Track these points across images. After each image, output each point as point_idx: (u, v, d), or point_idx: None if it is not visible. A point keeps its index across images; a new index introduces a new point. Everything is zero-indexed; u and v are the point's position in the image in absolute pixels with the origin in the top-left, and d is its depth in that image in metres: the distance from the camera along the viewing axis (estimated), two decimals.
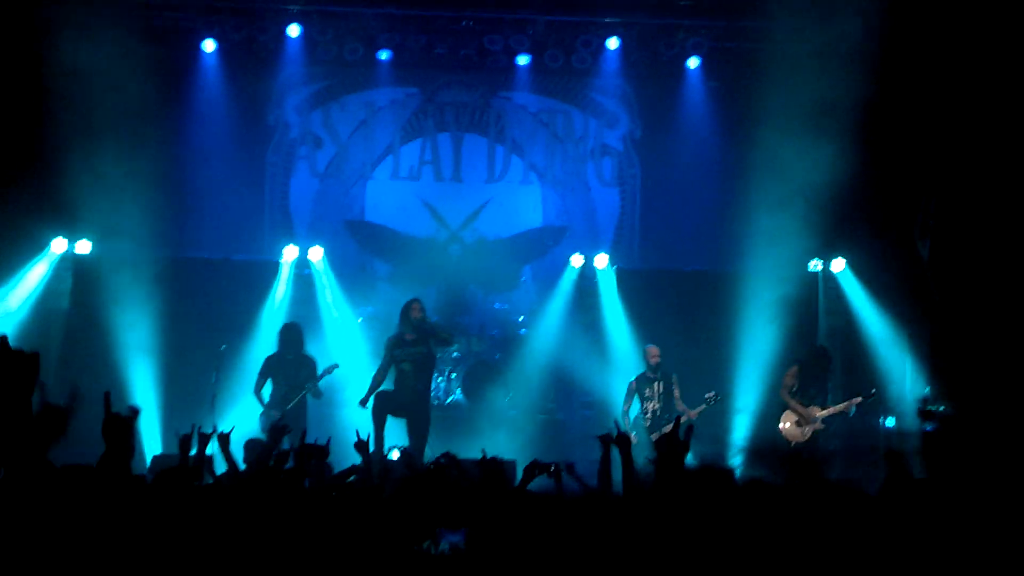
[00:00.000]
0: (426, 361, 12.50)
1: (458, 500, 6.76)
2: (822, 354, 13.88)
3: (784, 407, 13.48)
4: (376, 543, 5.99)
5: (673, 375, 13.73)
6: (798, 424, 13.37)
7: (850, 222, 15.24)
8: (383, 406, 12.24)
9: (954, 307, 14.35)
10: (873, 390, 13.56)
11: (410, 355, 12.39)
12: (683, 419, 13.19)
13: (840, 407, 13.29)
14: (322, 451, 7.48)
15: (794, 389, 13.45)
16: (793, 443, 13.25)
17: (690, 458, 7.61)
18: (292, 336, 13.31)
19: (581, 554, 5.75)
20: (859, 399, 13.27)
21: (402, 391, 12.35)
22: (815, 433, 13.30)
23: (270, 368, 13.26)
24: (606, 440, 7.08)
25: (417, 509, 6.22)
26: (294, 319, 14.23)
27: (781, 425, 13.48)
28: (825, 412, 13.32)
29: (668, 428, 12.78)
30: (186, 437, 7.10)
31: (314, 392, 13.06)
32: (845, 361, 15.06)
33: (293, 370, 13.12)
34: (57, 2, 14.35)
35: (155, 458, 12.24)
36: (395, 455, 11.08)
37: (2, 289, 14.53)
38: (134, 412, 6.56)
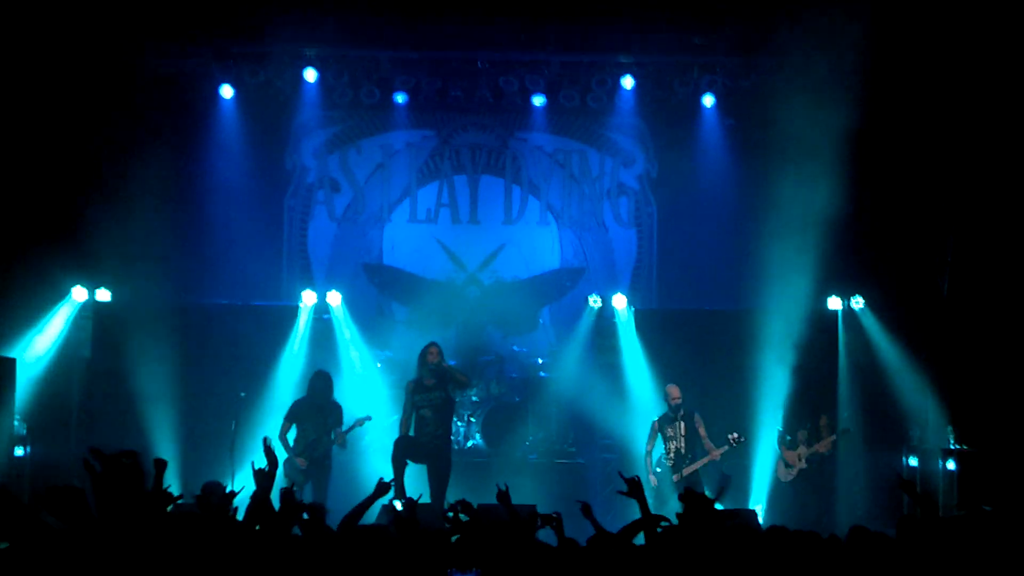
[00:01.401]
0: (445, 405, 12.42)
1: (471, 543, 6.74)
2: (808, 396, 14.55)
3: (778, 456, 14.36)
4: None
5: (696, 413, 13.68)
6: (786, 466, 14.23)
7: (869, 259, 15.19)
8: (404, 452, 12.18)
9: (974, 343, 14.29)
10: (846, 428, 14.30)
11: (429, 400, 12.31)
12: (705, 461, 13.23)
13: (815, 447, 14.04)
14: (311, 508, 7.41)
15: (787, 438, 14.30)
16: (781, 481, 14.27)
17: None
18: (323, 383, 13.15)
19: None
20: (832, 438, 14.06)
21: (422, 436, 12.28)
22: (800, 472, 14.09)
23: (298, 413, 13.05)
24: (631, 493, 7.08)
25: (427, 552, 6.21)
26: (313, 364, 14.23)
27: (777, 468, 14.36)
28: (809, 450, 14.05)
29: (692, 469, 12.82)
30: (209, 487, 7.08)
31: (340, 441, 12.95)
32: (865, 399, 14.97)
33: (322, 417, 13.00)
34: (75, 51, 14.46)
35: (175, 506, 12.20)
36: (398, 506, 10.93)
37: (26, 337, 14.55)
38: (161, 465, 6.58)
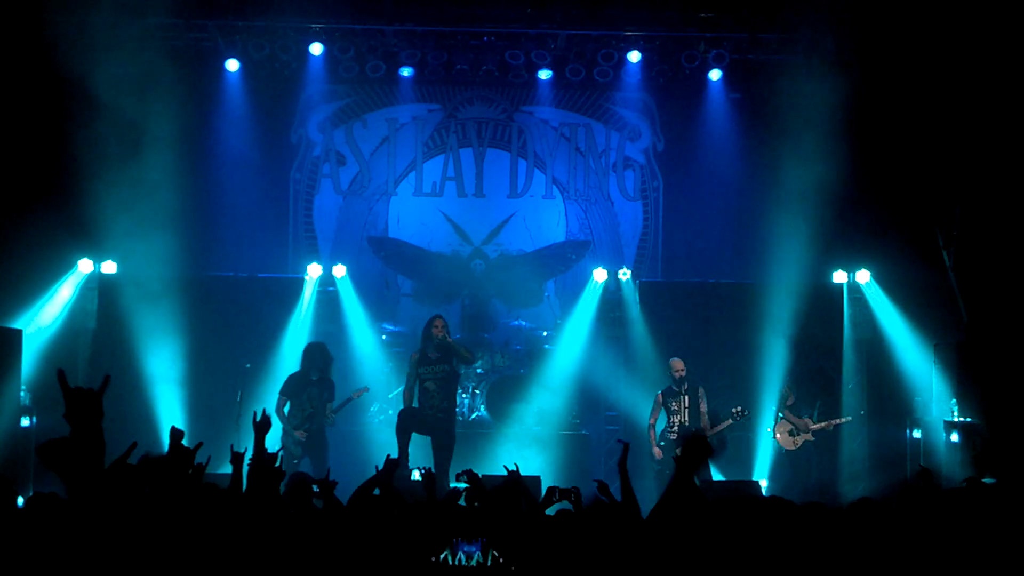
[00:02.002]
0: (449, 378, 12.42)
1: (476, 515, 6.77)
2: (819, 372, 14.17)
3: (779, 417, 14.24)
4: (392, 554, 6.01)
5: (700, 387, 13.70)
6: (791, 434, 14.17)
7: (875, 232, 15.18)
8: (407, 424, 12.20)
9: (980, 316, 14.28)
10: (862, 412, 14.52)
11: (433, 373, 12.31)
12: (708, 435, 13.24)
13: (822, 424, 14.12)
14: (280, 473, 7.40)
15: (789, 403, 14.22)
16: (784, 450, 14.19)
17: (716, 474, 7.56)
18: (316, 356, 13.05)
19: (596, 566, 5.76)
20: (840, 420, 14.18)
21: (426, 409, 12.30)
22: (805, 443, 14.11)
23: (291, 388, 12.97)
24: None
25: (433, 523, 6.24)
26: (319, 337, 14.24)
27: (776, 435, 14.26)
28: (817, 426, 14.09)
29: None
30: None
31: (330, 420, 12.93)
32: (870, 373, 14.99)
33: (317, 391, 13.00)
34: (81, 26, 14.46)
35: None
36: (416, 476, 11.02)
37: (32, 309, 14.61)
38: (177, 433, 6.57)
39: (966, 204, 14.49)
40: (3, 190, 14.45)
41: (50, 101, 14.63)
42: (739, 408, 13.52)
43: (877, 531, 5.94)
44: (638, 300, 15.58)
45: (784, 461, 14.23)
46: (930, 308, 14.67)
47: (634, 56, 16.06)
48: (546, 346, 15.60)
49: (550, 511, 7.34)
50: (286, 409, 12.87)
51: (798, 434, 14.11)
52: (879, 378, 14.89)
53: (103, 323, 14.98)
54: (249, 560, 5.54)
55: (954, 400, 13.61)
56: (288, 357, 14.59)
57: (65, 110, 14.69)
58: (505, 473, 7.79)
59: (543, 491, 8.41)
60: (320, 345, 13.28)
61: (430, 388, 12.30)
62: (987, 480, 10.17)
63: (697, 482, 6.65)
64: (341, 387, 13.30)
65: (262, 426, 6.87)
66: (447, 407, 12.40)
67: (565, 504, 7.72)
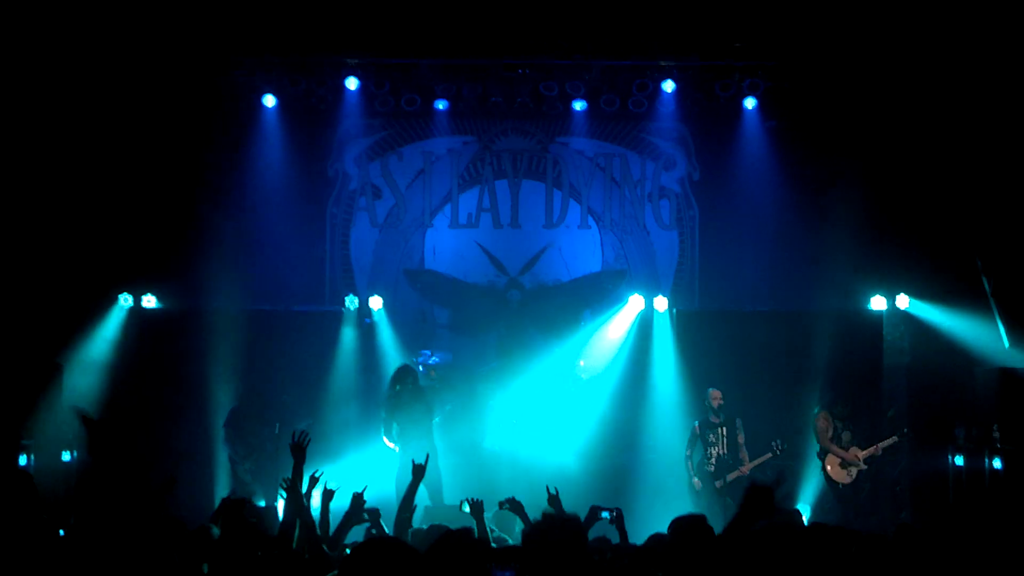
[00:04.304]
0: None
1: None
2: (839, 400, 14.15)
3: (825, 452, 13.96)
4: None
5: (737, 420, 13.63)
6: (842, 466, 13.88)
7: (914, 257, 15.07)
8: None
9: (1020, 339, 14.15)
10: (905, 429, 14.08)
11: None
12: (745, 469, 13.16)
13: (870, 450, 13.87)
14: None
15: (830, 434, 13.94)
16: (840, 485, 13.87)
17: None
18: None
19: None
20: (887, 442, 13.88)
21: None
22: (859, 473, 13.84)
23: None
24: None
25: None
26: (356, 369, 14.37)
27: (827, 468, 13.94)
28: (866, 453, 13.83)
29: (736, 475, 12.73)
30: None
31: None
32: (911, 400, 14.84)
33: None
34: (121, 60, 14.64)
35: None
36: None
37: (73, 344, 14.69)
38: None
39: (1006, 229, 14.36)
40: (43, 224, 14.60)
41: (86, 136, 14.78)
42: (779, 442, 13.44)
43: (919, 558, 5.89)
44: (676, 329, 15.53)
45: (831, 493, 14.04)
46: (970, 333, 14.52)
47: (668, 86, 16.07)
48: (582, 376, 15.55)
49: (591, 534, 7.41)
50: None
51: (848, 466, 13.88)
52: (919, 405, 14.73)
53: (144, 357, 15.07)
54: None
55: (996, 426, 13.45)
56: (326, 389, 14.64)
57: (102, 145, 14.85)
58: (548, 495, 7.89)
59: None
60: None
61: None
62: None
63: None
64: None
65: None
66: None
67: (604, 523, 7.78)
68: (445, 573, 5.67)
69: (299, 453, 7.55)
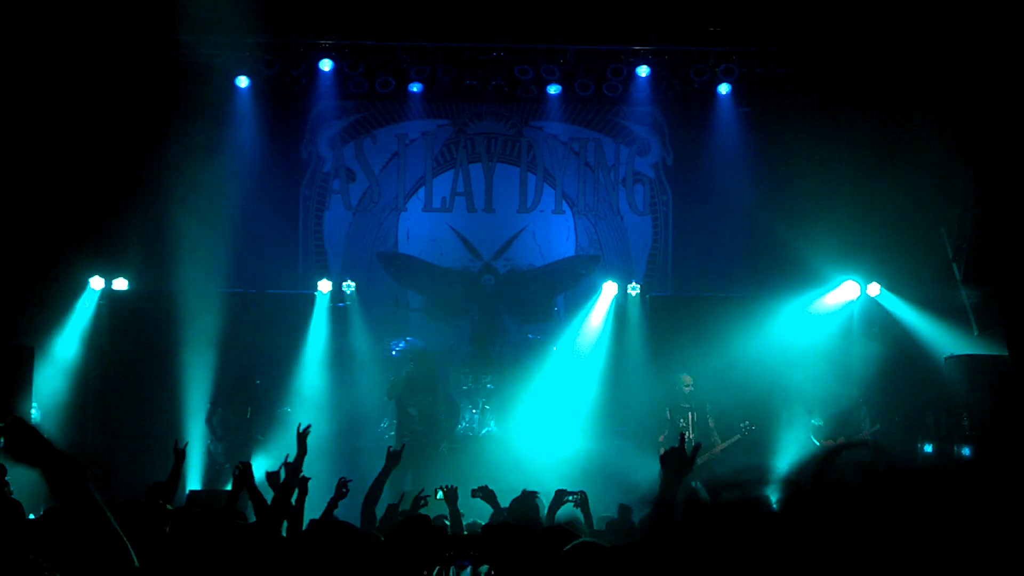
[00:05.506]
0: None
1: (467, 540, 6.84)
2: (832, 390, 14.27)
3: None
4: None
5: (707, 404, 13.68)
6: None
7: (885, 246, 15.13)
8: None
9: (993, 327, 14.23)
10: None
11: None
12: (716, 451, 13.23)
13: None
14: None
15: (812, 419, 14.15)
16: None
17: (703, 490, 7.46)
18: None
19: None
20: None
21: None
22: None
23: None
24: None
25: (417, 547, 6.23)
26: (328, 352, 14.34)
27: None
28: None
29: (704, 459, 12.81)
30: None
31: None
32: (884, 386, 14.91)
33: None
34: (91, 41, 14.53)
35: (191, 493, 12.25)
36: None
37: (43, 326, 14.60)
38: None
39: (977, 215, 14.43)
40: (11, 206, 14.49)
41: (58, 120, 14.66)
42: (748, 423, 13.51)
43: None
44: (648, 314, 15.56)
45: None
46: (940, 321, 14.61)
47: (643, 70, 16.08)
48: (556, 361, 15.56)
49: (560, 512, 7.48)
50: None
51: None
52: (889, 392, 14.80)
53: (114, 339, 15.01)
54: None
55: (964, 414, 13.56)
56: (297, 373, 14.61)
57: (73, 129, 14.74)
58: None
59: (545, 504, 8.49)
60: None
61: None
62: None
63: (704, 492, 6.63)
64: (358, 403, 13.45)
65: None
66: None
67: (569, 507, 7.83)
68: (401, 558, 5.71)
69: (302, 444, 7.67)
